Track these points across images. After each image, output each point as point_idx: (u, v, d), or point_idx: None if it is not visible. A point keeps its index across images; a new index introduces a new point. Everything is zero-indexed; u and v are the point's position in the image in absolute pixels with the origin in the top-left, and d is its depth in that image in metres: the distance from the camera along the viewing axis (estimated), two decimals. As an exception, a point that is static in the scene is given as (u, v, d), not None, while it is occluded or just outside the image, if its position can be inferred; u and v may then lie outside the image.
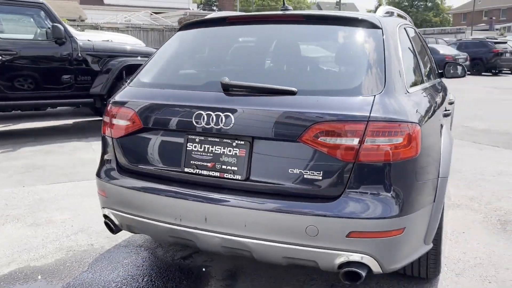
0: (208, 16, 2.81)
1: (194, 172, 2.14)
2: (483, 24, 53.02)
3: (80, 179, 4.74)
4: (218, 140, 2.10)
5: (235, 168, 2.06)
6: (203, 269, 2.79)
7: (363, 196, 1.90)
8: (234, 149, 2.07)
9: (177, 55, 2.65)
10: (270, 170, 2.01)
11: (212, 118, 2.06)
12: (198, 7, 49.82)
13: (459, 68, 4.64)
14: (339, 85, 2.11)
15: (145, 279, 2.68)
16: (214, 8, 57.10)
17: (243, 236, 2.00)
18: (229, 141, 2.08)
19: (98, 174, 2.48)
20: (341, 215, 1.87)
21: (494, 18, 52.75)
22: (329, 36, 2.37)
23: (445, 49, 20.34)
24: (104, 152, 2.51)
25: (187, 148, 2.16)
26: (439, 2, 72.05)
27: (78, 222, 3.55)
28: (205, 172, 2.12)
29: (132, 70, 7.30)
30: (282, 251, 1.98)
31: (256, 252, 2.03)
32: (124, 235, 3.30)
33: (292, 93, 2.03)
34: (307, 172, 1.94)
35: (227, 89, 2.11)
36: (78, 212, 3.77)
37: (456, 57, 18.93)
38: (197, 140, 2.14)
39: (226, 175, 2.07)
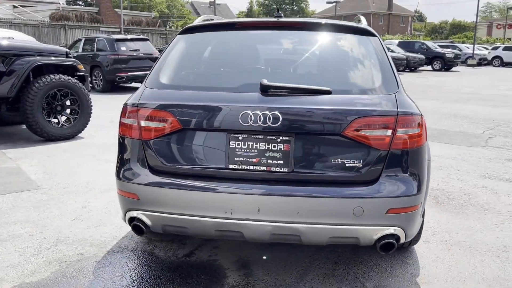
0: (205, 21, 2.91)
1: (240, 168, 2.28)
2: (343, 28, 58.56)
3: (18, 190, 4.34)
4: (262, 137, 2.27)
5: (281, 162, 2.26)
6: (215, 262, 2.91)
7: (395, 178, 2.27)
8: (279, 144, 2.26)
9: (193, 57, 2.70)
10: (313, 161, 2.26)
11: (260, 117, 2.23)
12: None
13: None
14: (363, 85, 2.45)
15: (162, 279, 2.71)
16: (80, 3, 53.51)
17: (296, 222, 2.22)
18: (273, 137, 2.27)
19: (121, 177, 2.44)
20: (382, 195, 2.22)
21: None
22: (340, 42, 2.67)
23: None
24: (125, 154, 2.48)
25: (230, 146, 2.29)
26: (304, 7, 77.84)
27: (50, 234, 3.34)
28: (251, 167, 2.27)
29: (41, 70, 6.71)
30: (330, 231, 2.24)
31: (305, 235, 2.26)
32: (111, 240, 3.22)
33: (328, 92, 2.30)
34: (349, 161, 2.24)
35: (266, 90, 2.30)
36: (42, 224, 3.52)
37: None
38: (240, 138, 2.29)
39: (273, 169, 2.26)
